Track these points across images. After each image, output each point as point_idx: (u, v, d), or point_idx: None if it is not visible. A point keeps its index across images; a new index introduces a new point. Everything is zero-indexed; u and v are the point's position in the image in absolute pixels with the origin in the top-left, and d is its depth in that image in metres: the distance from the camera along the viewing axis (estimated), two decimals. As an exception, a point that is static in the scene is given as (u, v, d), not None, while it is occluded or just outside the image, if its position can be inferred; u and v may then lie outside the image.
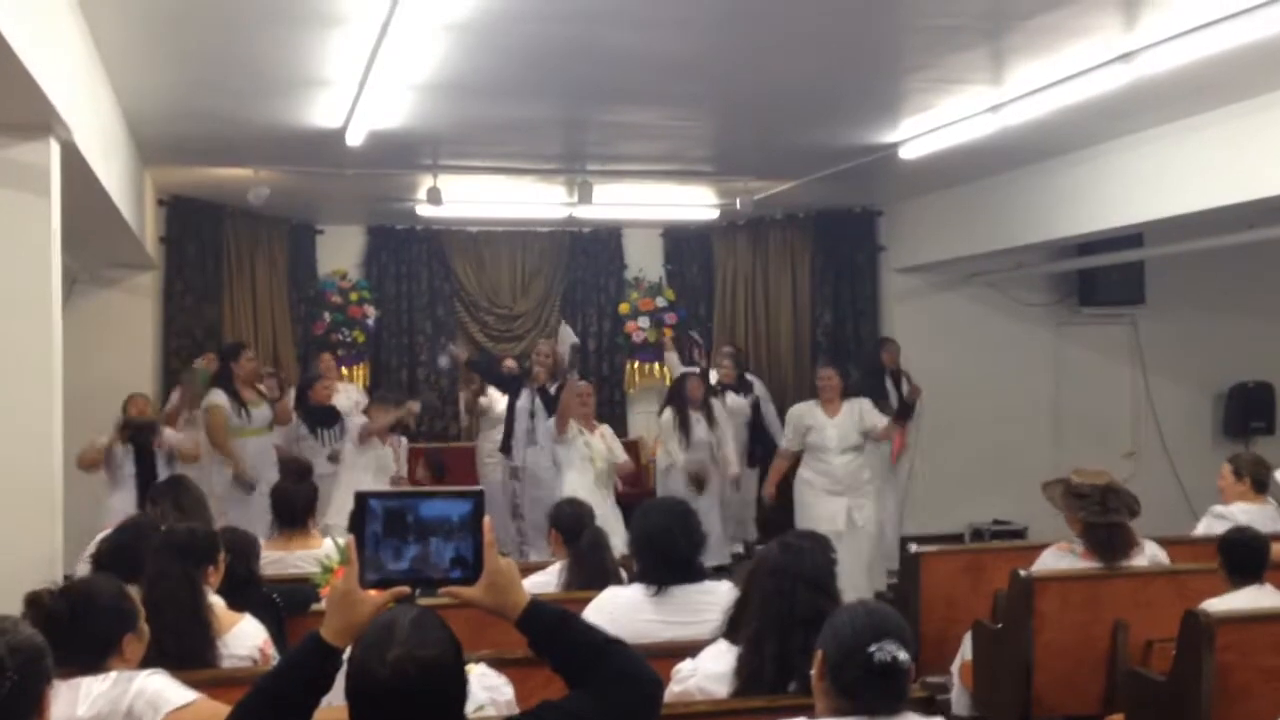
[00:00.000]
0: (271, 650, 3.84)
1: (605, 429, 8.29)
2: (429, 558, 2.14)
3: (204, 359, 8.88)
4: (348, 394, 9.42)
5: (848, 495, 7.93)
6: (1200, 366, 11.14)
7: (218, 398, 8.02)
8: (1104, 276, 10.77)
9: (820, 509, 7.88)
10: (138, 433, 7.13)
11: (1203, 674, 4.31)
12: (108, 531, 4.54)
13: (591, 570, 4.63)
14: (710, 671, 3.13)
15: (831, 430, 7.95)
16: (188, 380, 8.65)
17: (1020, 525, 10.52)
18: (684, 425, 9.12)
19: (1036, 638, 5.01)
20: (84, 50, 5.15)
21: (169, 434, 7.40)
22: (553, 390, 8.34)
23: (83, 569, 4.69)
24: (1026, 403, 11.03)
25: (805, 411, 8.11)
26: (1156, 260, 10.32)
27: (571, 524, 4.96)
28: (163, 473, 6.83)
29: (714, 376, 10.03)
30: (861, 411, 8.06)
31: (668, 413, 9.30)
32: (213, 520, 5.03)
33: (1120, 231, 8.56)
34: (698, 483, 9.00)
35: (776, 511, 8.46)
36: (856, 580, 7.37)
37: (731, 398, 9.90)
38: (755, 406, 10.30)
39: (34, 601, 2.95)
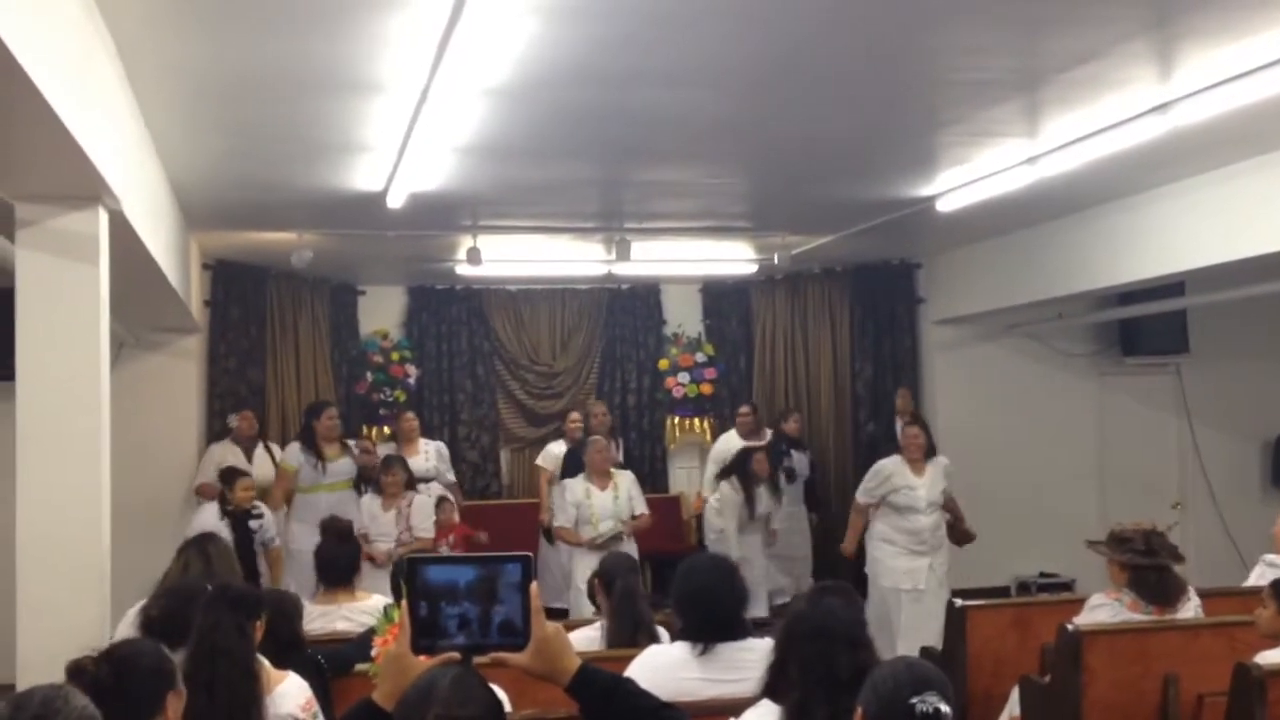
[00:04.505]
0: (315, 709, 3.85)
1: (624, 479, 8.21)
2: (478, 623, 2.15)
3: (240, 417, 9.14)
4: (425, 456, 9.21)
5: (931, 554, 7.90)
6: (1246, 415, 11.03)
7: (291, 459, 8.46)
8: (1147, 326, 10.71)
9: (901, 567, 7.83)
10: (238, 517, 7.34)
11: (1256, 729, 4.24)
12: (143, 602, 4.59)
13: (626, 621, 4.66)
14: (754, 730, 3.11)
15: (921, 490, 7.92)
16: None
17: (1067, 578, 10.42)
18: (749, 501, 9.27)
19: (1085, 692, 4.93)
20: (132, 122, 5.26)
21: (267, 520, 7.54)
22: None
23: (122, 633, 4.74)
24: (1070, 453, 10.96)
25: (894, 470, 8.03)
26: (1200, 309, 10.26)
27: (610, 573, 4.99)
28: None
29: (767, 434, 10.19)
30: (945, 472, 8.04)
31: (728, 488, 9.36)
32: (241, 576, 5.08)
33: (1162, 281, 8.52)
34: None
35: (850, 566, 8.42)
36: (930, 640, 7.28)
37: (797, 455, 9.99)
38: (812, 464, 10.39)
39: (77, 671, 2.97)
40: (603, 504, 7.99)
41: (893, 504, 7.97)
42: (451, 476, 9.47)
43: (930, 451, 8.10)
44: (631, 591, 4.80)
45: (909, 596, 7.85)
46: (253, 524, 7.31)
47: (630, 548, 7.85)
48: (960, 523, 8.29)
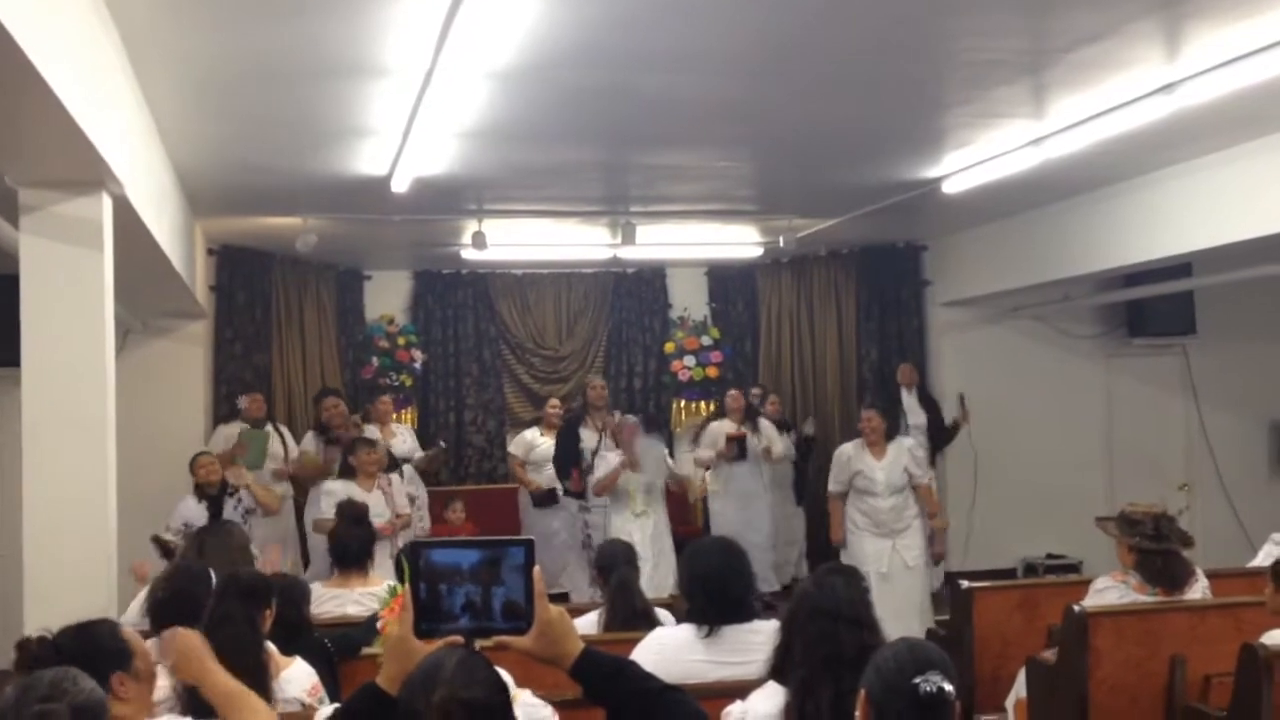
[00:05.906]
0: (321, 693, 3.87)
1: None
2: (481, 607, 2.15)
3: (249, 399, 9.16)
4: (403, 438, 9.39)
5: (893, 537, 7.89)
6: (1253, 396, 11.00)
7: (310, 448, 8.78)
8: (1153, 307, 10.68)
9: (867, 549, 7.85)
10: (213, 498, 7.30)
11: (1262, 708, 4.24)
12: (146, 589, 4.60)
13: (621, 612, 4.71)
14: (760, 712, 3.11)
15: (879, 474, 7.90)
16: (247, 440, 8.89)
17: (1074, 559, 10.41)
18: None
19: (1092, 674, 4.94)
20: (136, 108, 5.26)
21: (252, 485, 7.51)
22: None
23: (130, 617, 4.77)
24: (1077, 435, 10.94)
25: (853, 454, 8.04)
26: (1206, 290, 10.22)
27: (608, 563, 5.03)
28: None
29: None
30: (908, 455, 8.02)
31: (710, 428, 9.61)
32: (250, 562, 5.09)
33: (1168, 261, 8.50)
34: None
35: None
36: (909, 622, 7.28)
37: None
38: (800, 446, 10.34)
39: (22, 646, 2.96)
40: (637, 477, 8.23)
41: (855, 487, 7.99)
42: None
43: (892, 434, 8.10)
44: (627, 583, 4.85)
45: (877, 578, 7.84)
46: (229, 503, 7.29)
47: (663, 513, 8.23)
48: (932, 517, 8.22)
